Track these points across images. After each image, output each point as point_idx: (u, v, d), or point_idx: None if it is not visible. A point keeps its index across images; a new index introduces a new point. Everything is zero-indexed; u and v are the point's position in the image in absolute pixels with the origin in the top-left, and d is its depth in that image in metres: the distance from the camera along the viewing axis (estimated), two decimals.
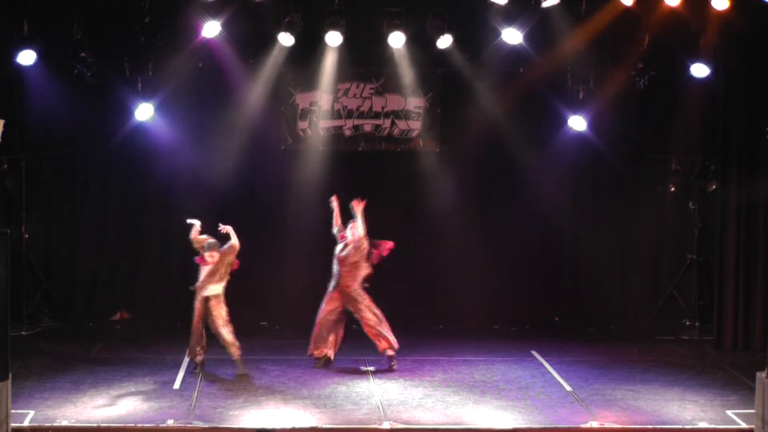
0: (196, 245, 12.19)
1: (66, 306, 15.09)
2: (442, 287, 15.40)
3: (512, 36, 13.94)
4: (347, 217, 12.66)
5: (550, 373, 12.42)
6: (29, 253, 14.80)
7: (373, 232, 15.50)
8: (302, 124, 15.27)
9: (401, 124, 15.31)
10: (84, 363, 12.46)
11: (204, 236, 12.21)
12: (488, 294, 15.18)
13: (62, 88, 14.52)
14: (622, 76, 14.64)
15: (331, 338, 12.55)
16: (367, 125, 15.32)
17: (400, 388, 11.71)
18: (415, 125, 15.32)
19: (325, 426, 10.20)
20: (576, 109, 14.84)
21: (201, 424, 10.15)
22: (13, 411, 9.64)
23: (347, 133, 15.32)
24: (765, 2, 12.79)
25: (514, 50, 14.32)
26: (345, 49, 14.52)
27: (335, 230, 12.77)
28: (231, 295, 14.15)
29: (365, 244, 12.43)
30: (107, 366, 12.36)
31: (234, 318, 14.68)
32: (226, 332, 12.12)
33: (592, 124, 14.92)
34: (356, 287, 12.46)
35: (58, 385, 11.56)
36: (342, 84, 15.18)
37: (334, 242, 15.45)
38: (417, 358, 13.11)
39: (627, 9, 13.58)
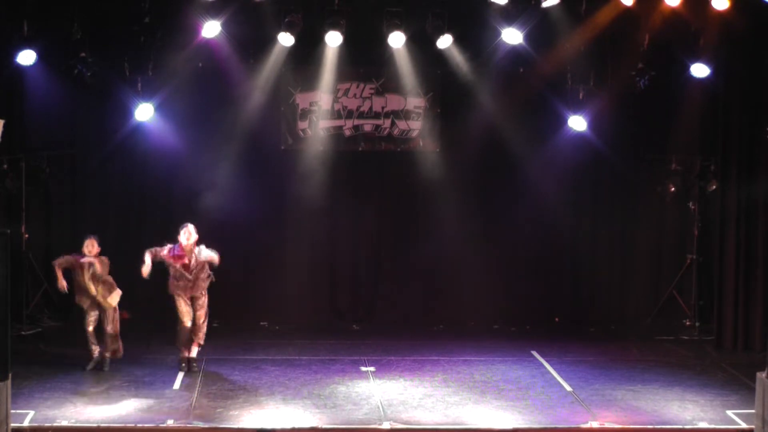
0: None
1: (66, 306, 15.07)
2: (443, 287, 15.40)
3: (512, 36, 13.94)
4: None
5: (550, 373, 12.42)
6: (29, 253, 14.80)
7: (373, 232, 15.58)
8: (302, 124, 15.27)
9: (401, 124, 15.31)
10: (84, 363, 12.42)
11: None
12: (488, 294, 15.18)
13: (62, 88, 14.53)
14: (622, 76, 14.64)
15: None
16: (367, 125, 15.32)
17: (400, 388, 11.71)
18: (415, 125, 15.32)
19: (325, 426, 10.19)
20: (576, 109, 14.85)
21: (201, 424, 10.15)
22: (13, 411, 9.62)
23: (347, 133, 15.31)
24: (765, 2, 12.79)
25: (514, 50, 14.33)
26: (345, 49, 14.52)
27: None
28: (231, 295, 14.22)
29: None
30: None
31: (234, 318, 14.77)
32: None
33: (592, 124, 14.92)
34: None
35: (58, 385, 11.57)
36: (342, 84, 15.18)
37: (334, 240, 15.53)
38: (417, 358, 13.11)
39: (627, 9, 13.58)
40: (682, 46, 14.31)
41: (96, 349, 12.29)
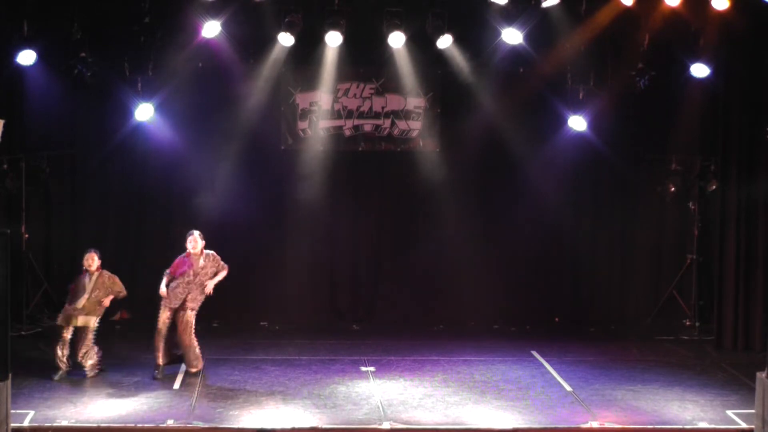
0: None
1: None
2: (443, 287, 15.40)
3: (512, 36, 13.95)
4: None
5: (550, 373, 12.42)
6: (29, 253, 14.80)
7: (373, 232, 15.60)
8: (302, 124, 15.27)
9: (401, 124, 15.31)
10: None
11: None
12: (488, 294, 15.18)
13: (62, 88, 14.53)
14: (622, 76, 14.65)
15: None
16: (367, 125, 15.32)
17: (400, 388, 11.71)
18: (415, 125, 15.32)
19: (325, 426, 10.19)
20: (576, 109, 14.85)
21: (201, 424, 10.15)
22: (13, 411, 9.62)
23: (347, 133, 15.31)
24: (765, 2, 12.79)
25: (514, 50, 14.33)
26: (345, 49, 14.52)
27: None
28: (231, 295, 14.20)
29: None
30: (107, 366, 12.33)
31: (234, 318, 14.78)
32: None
33: (592, 124, 14.93)
34: None
35: (58, 385, 11.57)
36: (342, 84, 15.18)
37: (334, 241, 15.53)
38: (417, 358, 13.11)
39: (627, 9, 13.59)
40: (682, 46, 14.32)
41: (63, 363, 11.90)
